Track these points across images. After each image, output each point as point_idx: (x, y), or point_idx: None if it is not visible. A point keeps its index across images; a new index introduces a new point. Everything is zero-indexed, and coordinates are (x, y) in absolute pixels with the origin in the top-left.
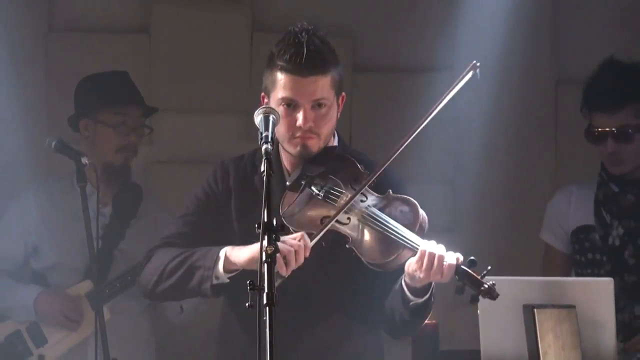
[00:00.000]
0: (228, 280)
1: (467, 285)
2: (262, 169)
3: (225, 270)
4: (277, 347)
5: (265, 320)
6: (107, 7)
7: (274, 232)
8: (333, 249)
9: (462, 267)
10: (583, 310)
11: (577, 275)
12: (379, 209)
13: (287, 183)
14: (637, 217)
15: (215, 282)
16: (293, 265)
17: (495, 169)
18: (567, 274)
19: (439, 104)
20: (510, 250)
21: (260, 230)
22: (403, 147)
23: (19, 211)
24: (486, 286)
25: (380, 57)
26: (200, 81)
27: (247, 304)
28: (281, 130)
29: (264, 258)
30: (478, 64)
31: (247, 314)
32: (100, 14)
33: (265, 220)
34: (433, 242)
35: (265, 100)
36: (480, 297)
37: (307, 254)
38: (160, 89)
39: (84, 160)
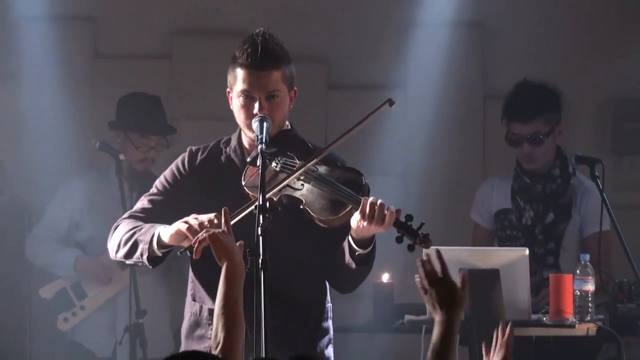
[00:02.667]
0: (160, 254)
1: (405, 236)
2: (257, 164)
3: (158, 246)
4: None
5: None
6: (138, 38)
7: (267, 212)
8: (289, 212)
9: (400, 219)
10: (505, 273)
11: (499, 246)
12: (328, 175)
13: (248, 160)
14: (544, 203)
15: (152, 254)
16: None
17: (437, 164)
18: (491, 245)
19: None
20: (449, 227)
21: (257, 211)
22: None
23: (67, 194)
24: (421, 236)
25: (351, 77)
26: (210, 94)
27: (246, 267)
28: (241, 118)
29: (259, 232)
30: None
31: (212, 280)
32: (134, 44)
33: (260, 203)
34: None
35: (230, 94)
36: (416, 246)
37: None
38: (178, 100)
39: (121, 156)
